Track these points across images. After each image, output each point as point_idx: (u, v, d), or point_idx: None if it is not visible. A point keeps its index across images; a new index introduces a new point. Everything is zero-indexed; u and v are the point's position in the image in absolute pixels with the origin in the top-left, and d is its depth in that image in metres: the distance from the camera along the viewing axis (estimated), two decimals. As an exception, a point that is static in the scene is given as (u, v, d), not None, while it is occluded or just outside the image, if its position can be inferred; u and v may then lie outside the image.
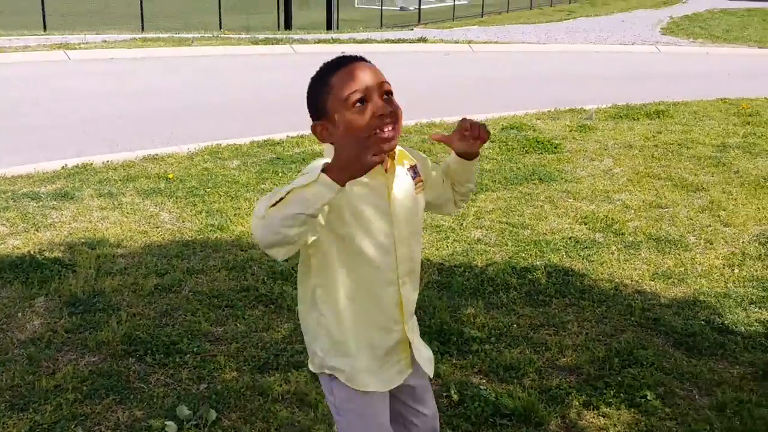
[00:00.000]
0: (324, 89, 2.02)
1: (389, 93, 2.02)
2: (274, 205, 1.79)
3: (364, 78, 1.98)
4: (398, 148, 2.13)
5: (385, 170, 2.07)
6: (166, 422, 3.12)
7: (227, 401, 3.30)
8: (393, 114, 1.99)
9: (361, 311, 2.10)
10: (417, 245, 2.20)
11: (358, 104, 1.96)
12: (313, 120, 2.07)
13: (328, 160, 1.85)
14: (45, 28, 19.73)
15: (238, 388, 3.39)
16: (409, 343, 2.20)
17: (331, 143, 2.00)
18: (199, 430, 3.10)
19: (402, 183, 2.12)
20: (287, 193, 1.79)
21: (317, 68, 2.08)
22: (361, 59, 2.05)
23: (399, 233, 2.10)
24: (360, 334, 2.12)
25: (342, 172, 1.78)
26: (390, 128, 1.98)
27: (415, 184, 2.15)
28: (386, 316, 2.14)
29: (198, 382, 3.47)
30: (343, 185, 1.79)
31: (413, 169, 2.16)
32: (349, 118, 1.97)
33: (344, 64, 2.02)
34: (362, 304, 2.10)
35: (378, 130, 1.97)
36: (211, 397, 3.33)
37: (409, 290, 2.18)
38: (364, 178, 1.90)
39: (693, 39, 21.05)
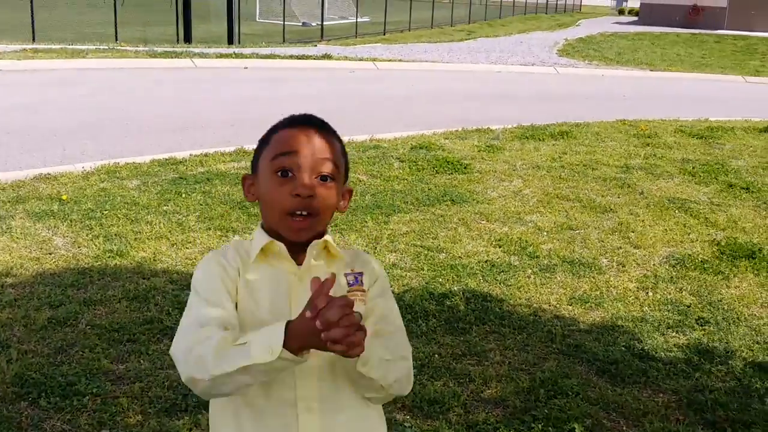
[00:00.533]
0: (263, 143, 1.75)
1: (326, 177, 1.68)
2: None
3: (301, 147, 1.68)
4: (347, 250, 1.81)
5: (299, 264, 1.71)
6: (62, 477, 2.82)
7: (131, 450, 3.03)
8: (308, 201, 1.65)
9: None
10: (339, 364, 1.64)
11: (279, 173, 1.68)
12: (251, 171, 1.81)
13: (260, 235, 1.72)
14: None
15: (143, 435, 3.11)
16: None
17: (256, 200, 1.76)
18: (101, 484, 2.81)
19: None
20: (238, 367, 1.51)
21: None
22: (321, 126, 1.74)
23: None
24: None
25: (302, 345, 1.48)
26: (300, 219, 1.67)
27: (350, 291, 1.70)
28: None
29: (99, 427, 3.16)
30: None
31: (356, 276, 1.74)
32: (267, 186, 1.70)
33: (294, 124, 1.74)
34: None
35: (290, 215, 1.67)
36: (114, 445, 3.04)
37: (318, 420, 1.67)
38: (266, 269, 1.69)
39: (588, 61, 21.69)
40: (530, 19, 45.07)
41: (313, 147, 1.69)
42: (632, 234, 6.01)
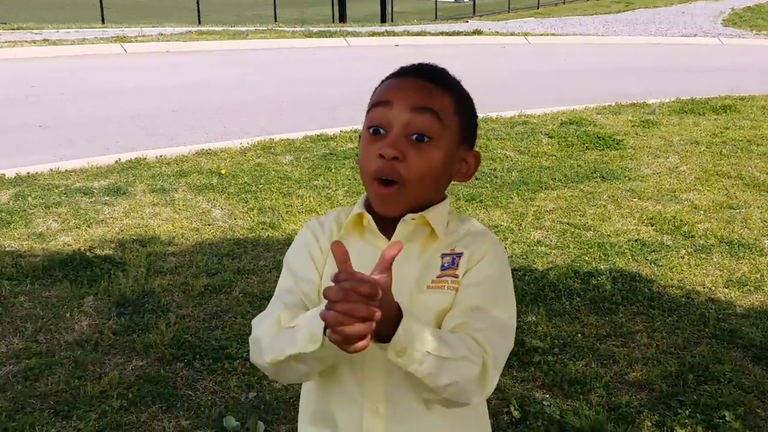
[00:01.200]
0: (372, 94, 1.48)
1: (423, 137, 1.38)
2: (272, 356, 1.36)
3: (396, 98, 1.39)
4: (462, 221, 1.50)
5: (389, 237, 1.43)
6: (213, 434, 2.99)
7: (276, 412, 3.16)
8: (391, 164, 1.37)
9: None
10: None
11: (371, 130, 1.42)
12: None
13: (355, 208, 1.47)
14: (103, 21, 19.96)
15: (287, 398, 3.23)
16: None
17: None
18: (248, 443, 2.96)
19: (410, 263, 1.42)
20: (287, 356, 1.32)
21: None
22: (430, 76, 1.43)
23: None
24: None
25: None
26: (386, 180, 1.38)
27: (439, 277, 1.42)
28: None
29: (247, 390, 3.32)
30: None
31: (453, 258, 1.43)
32: (361, 144, 1.46)
33: (401, 73, 1.46)
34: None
35: (376, 181, 1.39)
36: (260, 407, 3.18)
37: (382, 425, 1.43)
38: (357, 241, 1.44)
39: (757, 31, 20.36)
40: (695, -13, 42.76)
41: (411, 98, 1.38)
42: (799, 214, 5.62)
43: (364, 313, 1.14)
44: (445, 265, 1.42)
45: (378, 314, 1.15)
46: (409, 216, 1.42)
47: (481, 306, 1.39)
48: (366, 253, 1.40)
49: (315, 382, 1.49)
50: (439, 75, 1.45)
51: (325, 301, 1.17)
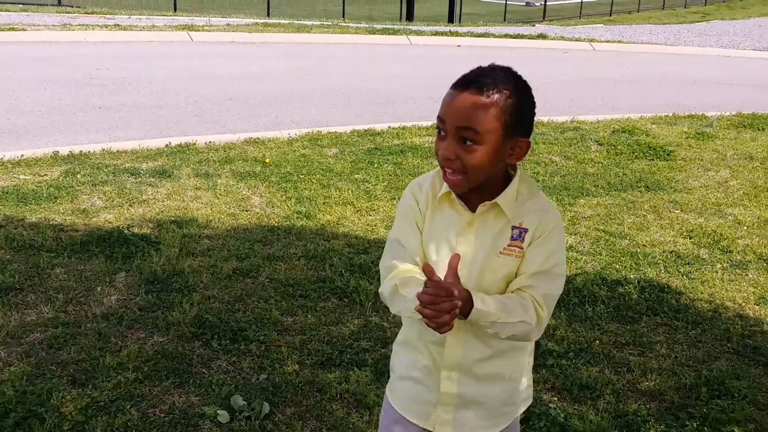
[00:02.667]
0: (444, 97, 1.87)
1: (466, 139, 1.76)
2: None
3: (447, 114, 1.78)
4: (532, 195, 1.89)
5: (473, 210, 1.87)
6: (218, 411, 3.07)
7: (284, 395, 3.22)
8: (448, 163, 1.79)
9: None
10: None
11: (438, 131, 1.84)
12: None
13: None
14: (175, 9, 20.40)
15: (296, 382, 3.30)
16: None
17: None
18: (251, 422, 3.03)
19: (486, 233, 1.87)
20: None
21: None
22: (476, 87, 1.75)
23: None
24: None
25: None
26: (450, 172, 1.81)
27: (509, 246, 1.86)
28: (425, 376, 2.00)
29: (258, 372, 3.40)
30: None
31: (520, 231, 1.86)
32: (436, 137, 1.88)
33: (455, 84, 1.81)
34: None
35: (443, 167, 1.84)
36: (269, 389, 3.25)
37: (456, 381, 1.95)
38: (447, 209, 1.89)
39: (837, 47, 19.67)
40: (776, 1, 41.51)
41: (458, 112, 1.76)
42: None
43: (448, 308, 1.65)
44: (515, 236, 1.85)
45: (458, 307, 1.66)
46: (485, 203, 1.84)
47: (541, 270, 1.84)
48: (453, 218, 1.88)
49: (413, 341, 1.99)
50: (489, 83, 1.76)
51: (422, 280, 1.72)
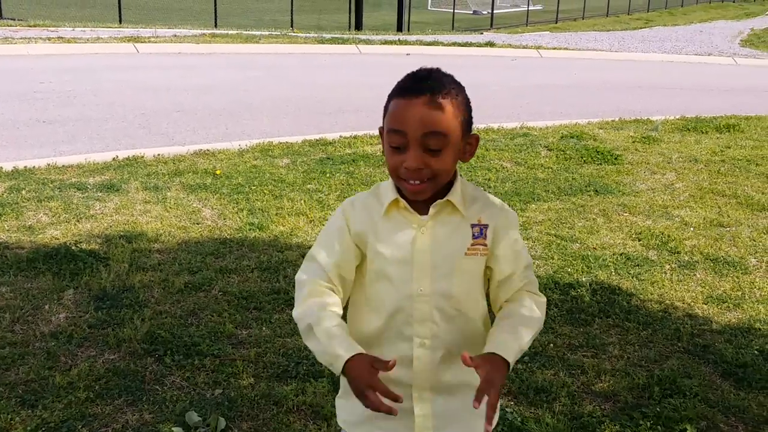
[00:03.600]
0: (387, 103, 1.80)
1: (434, 151, 1.72)
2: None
3: (407, 126, 1.72)
4: (477, 194, 1.87)
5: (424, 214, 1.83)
6: (173, 428, 3.01)
7: (239, 409, 3.18)
8: (416, 173, 1.73)
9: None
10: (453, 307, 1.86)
11: (392, 147, 1.77)
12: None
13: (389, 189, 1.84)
14: (120, 21, 20.13)
15: (252, 396, 3.26)
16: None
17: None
18: (206, 438, 2.98)
19: (443, 232, 1.82)
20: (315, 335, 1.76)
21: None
22: (431, 94, 1.72)
23: (421, 288, 1.82)
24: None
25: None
26: (416, 182, 1.75)
27: (473, 245, 1.83)
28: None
29: (213, 386, 3.35)
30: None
31: (481, 228, 1.83)
32: (386, 150, 1.81)
33: (404, 93, 1.75)
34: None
35: (405, 180, 1.77)
36: (224, 403, 3.21)
37: (429, 356, 1.85)
38: (397, 216, 1.84)
39: (774, 52, 20.28)
40: (715, 7, 42.71)
41: (421, 122, 1.71)
42: (790, 234, 5.60)
43: (386, 409, 1.64)
44: (476, 234, 1.83)
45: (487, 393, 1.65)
46: (437, 202, 1.81)
47: (525, 263, 1.88)
48: (403, 223, 1.83)
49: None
50: (438, 89, 1.73)
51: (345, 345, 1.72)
